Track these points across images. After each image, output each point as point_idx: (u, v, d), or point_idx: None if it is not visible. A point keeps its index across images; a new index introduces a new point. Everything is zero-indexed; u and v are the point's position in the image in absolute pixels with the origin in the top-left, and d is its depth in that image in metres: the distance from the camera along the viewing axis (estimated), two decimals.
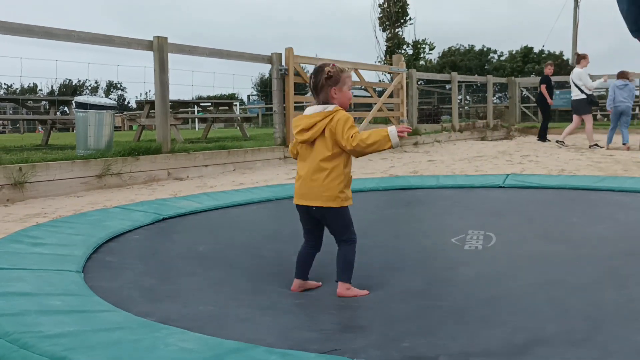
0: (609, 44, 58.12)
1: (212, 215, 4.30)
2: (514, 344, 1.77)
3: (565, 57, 35.14)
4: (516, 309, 2.12)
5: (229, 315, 2.17)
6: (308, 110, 2.48)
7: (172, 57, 7.43)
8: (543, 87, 12.64)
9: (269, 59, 8.91)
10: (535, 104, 23.76)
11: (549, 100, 12.55)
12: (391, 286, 2.55)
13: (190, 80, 9.76)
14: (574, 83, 10.78)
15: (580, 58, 10.95)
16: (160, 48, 7.17)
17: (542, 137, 12.87)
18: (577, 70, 10.81)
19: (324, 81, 2.43)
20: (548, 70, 12.93)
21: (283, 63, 8.94)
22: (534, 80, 25.33)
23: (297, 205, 2.49)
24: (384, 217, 4.30)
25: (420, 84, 23.21)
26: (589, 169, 7.31)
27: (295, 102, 9.22)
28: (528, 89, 24.63)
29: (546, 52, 36.37)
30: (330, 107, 2.42)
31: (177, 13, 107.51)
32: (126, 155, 6.64)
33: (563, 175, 5.97)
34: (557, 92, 22.94)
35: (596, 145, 10.54)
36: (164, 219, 4.06)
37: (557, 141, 11.25)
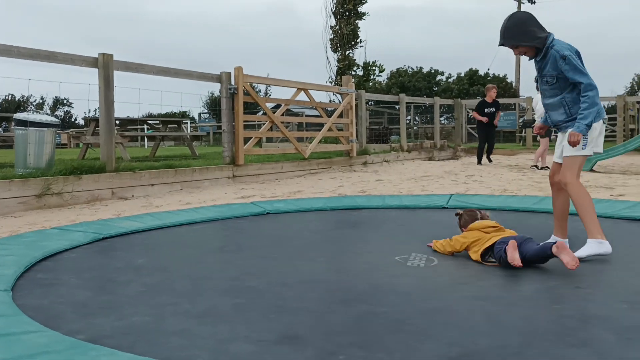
0: None
1: (155, 235, 4.23)
2: (449, 358, 1.80)
3: (509, 80, 36.41)
4: (453, 323, 2.16)
5: (164, 326, 2.16)
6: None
7: (122, 75, 7.32)
8: (474, 113, 13.00)
9: (218, 78, 8.88)
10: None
11: (481, 118, 12.59)
12: (333, 295, 2.59)
13: (142, 98, 9.60)
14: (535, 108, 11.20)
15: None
16: (105, 65, 7.04)
17: (478, 159, 12.91)
18: (538, 96, 11.15)
19: None
20: (490, 94, 12.80)
21: (232, 82, 8.92)
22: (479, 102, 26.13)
23: None
24: (330, 237, 4.32)
25: (370, 104, 23.56)
26: (529, 189, 7.56)
27: (245, 121, 9.20)
28: (474, 110, 25.39)
29: (491, 75, 37.58)
30: None
31: (133, 30, 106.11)
32: (68, 174, 6.45)
33: (504, 196, 6.15)
34: (501, 113, 23.77)
35: (535, 167, 10.91)
36: (103, 238, 3.96)
37: (531, 166, 11.19)
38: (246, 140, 9.19)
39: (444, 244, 3.55)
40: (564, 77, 3.34)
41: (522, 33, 3.37)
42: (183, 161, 9.25)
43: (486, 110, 12.57)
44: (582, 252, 3.27)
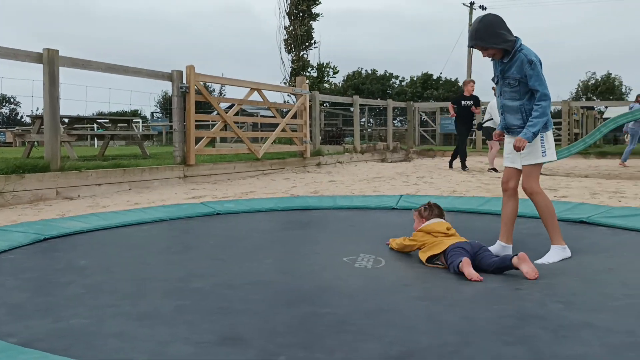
0: None
1: (99, 235, 4.13)
2: (389, 356, 1.82)
3: (461, 85, 37.17)
4: (395, 323, 2.19)
5: (103, 329, 2.11)
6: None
7: (70, 72, 7.12)
8: (450, 106, 12.11)
9: (169, 77, 8.74)
10: (432, 128, 25.02)
11: (453, 114, 12.04)
12: (279, 297, 2.59)
13: (91, 96, 9.36)
14: (488, 112, 11.44)
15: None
16: (50, 61, 6.83)
17: (458, 162, 12.23)
18: (493, 104, 11.37)
19: None
20: (468, 88, 12.05)
21: (184, 81, 8.80)
22: (432, 105, 26.61)
23: None
24: (279, 237, 4.30)
25: (326, 106, 23.66)
26: (478, 190, 7.73)
27: (198, 121, 9.09)
28: (427, 113, 25.82)
29: (444, 79, 38.29)
30: None
31: (84, 26, 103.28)
32: (9, 173, 6.23)
33: (452, 197, 6.26)
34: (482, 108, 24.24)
35: (493, 169, 11.13)
36: (45, 239, 3.84)
37: (488, 169, 11.31)
38: (198, 140, 9.08)
39: (398, 243, 3.64)
40: (525, 81, 3.41)
41: (494, 35, 3.41)
42: (132, 161, 9.06)
43: (462, 103, 11.88)
44: (551, 258, 3.37)
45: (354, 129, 14.87)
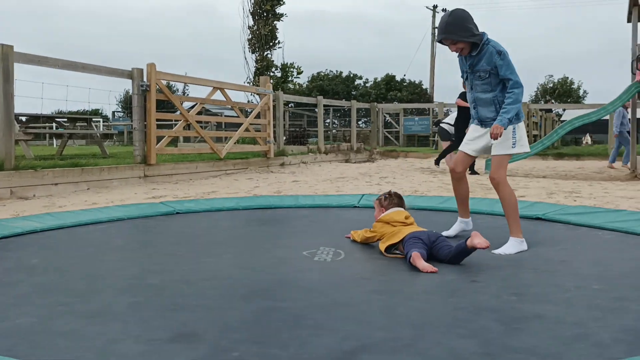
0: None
1: (53, 235, 4.02)
2: (342, 351, 1.81)
3: (424, 86, 37.62)
4: (350, 317, 2.19)
5: (51, 328, 2.05)
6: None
7: (28, 69, 6.92)
8: (460, 101, 10.79)
9: (129, 74, 8.59)
10: (396, 129, 25.25)
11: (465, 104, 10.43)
12: (235, 292, 2.56)
13: (48, 94, 9.12)
14: (448, 123, 11.55)
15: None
16: (4, 57, 6.63)
17: (438, 160, 11.75)
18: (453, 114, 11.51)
19: None
20: None
21: (145, 79, 8.66)
22: (396, 106, 26.86)
23: None
24: (239, 234, 4.26)
25: (290, 106, 23.63)
26: (439, 190, 7.82)
27: (161, 120, 8.95)
28: (390, 114, 26.05)
29: (407, 81, 38.69)
30: None
31: (44, 24, 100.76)
32: None
33: (412, 196, 6.32)
34: (415, 118, 24.54)
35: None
36: None
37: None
38: (159, 139, 8.94)
39: (359, 235, 3.67)
40: (496, 72, 3.48)
41: (463, 29, 3.46)
42: (91, 160, 8.87)
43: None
44: (508, 250, 3.44)
45: (318, 130, 14.88)
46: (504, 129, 3.45)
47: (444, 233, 3.91)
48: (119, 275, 2.87)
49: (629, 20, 11.12)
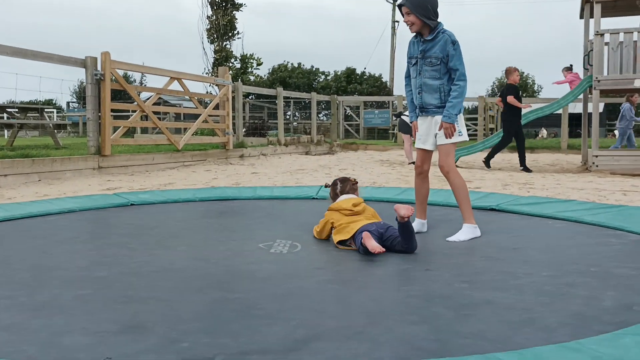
0: None
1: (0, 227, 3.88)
2: (294, 340, 1.80)
3: (384, 80, 37.87)
4: (303, 307, 2.18)
5: None
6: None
7: None
8: (511, 98, 9.92)
9: (82, 63, 8.35)
10: (356, 122, 25.35)
11: (522, 105, 10.11)
12: (188, 283, 2.53)
13: (8, 83, 8.79)
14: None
15: None
16: None
17: (522, 164, 10.10)
18: None
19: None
20: (515, 77, 10.26)
21: (99, 68, 8.44)
22: (356, 99, 26.95)
23: None
24: (195, 226, 4.20)
25: (251, 98, 23.44)
26: (397, 181, 7.89)
27: (116, 111, 8.74)
28: (351, 107, 26.15)
29: (367, 74, 38.88)
30: None
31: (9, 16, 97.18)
32: None
33: (370, 187, 6.36)
34: (375, 111, 24.71)
35: (413, 163, 11.37)
36: None
37: (409, 163, 11.38)
38: (116, 130, 8.74)
39: (315, 229, 3.65)
40: (447, 61, 3.54)
41: (423, 7, 3.53)
42: (42, 151, 8.60)
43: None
44: (462, 236, 3.51)
45: (277, 122, 14.82)
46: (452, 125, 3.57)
47: None
48: (67, 268, 2.79)
49: (581, 17, 11.42)
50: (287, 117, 26.88)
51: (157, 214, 4.61)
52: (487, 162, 10.57)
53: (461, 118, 3.68)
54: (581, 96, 11.35)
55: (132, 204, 5.06)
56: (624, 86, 10.08)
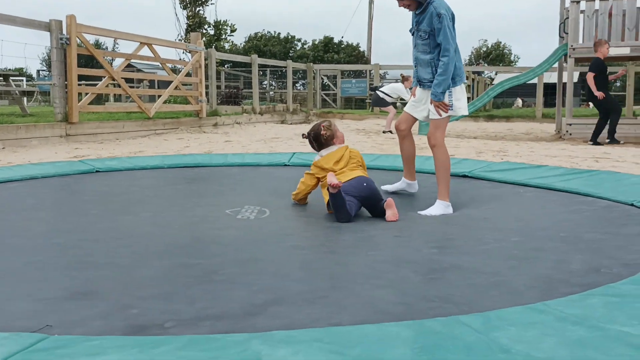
0: (402, 41, 64.01)
1: None
2: (252, 304, 1.73)
3: (361, 49, 37.53)
4: (267, 272, 2.11)
5: None
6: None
7: None
8: (590, 77, 8.95)
9: (46, 26, 8.03)
10: (334, 92, 25.16)
11: (595, 92, 8.86)
12: (148, 249, 2.45)
13: None
14: (384, 93, 11.44)
15: (404, 80, 11.59)
16: None
17: (611, 137, 9.04)
18: (399, 86, 11.41)
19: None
20: (603, 51, 9.11)
21: (65, 32, 8.14)
22: (331, 67, 26.68)
23: None
24: (162, 192, 4.08)
25: (228, 67, 23.03)
26: (372, 149, 7.83)
27: (85, 77, 8.47)
28: (328, 77, 25.89)
29: (345, 43, 38.48)
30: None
31: None
32: None
33: None
34: (353, 81, 24.52)
35: (390, 132, 11.31)
36: None
37: (383, 131, 11.32)
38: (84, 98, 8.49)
39: (294, 192, 3.55)
40: (435, 35, 3.43)
41: None
42: (7, 118, 8.33)
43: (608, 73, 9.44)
44: (433, 211, 3.42)
45: (252, 90, 14.58)
46: (442, 102, 3.49)
47: (384, 187, 3.91)
48: (23, 235, 2.67)
49: None
50: (264, 86, 26.55)
51: (123, 181, 4.48)
52: (612, 138, 9.03)
53: (457, 92, 3.54)
54: (556, 65, 11.34)
55: (97, 171, 4.92)
56: None
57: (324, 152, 3.52)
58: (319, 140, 3.56)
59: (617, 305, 1.55)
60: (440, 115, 3.52)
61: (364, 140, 9.65)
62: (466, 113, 3.73)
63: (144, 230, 2.80)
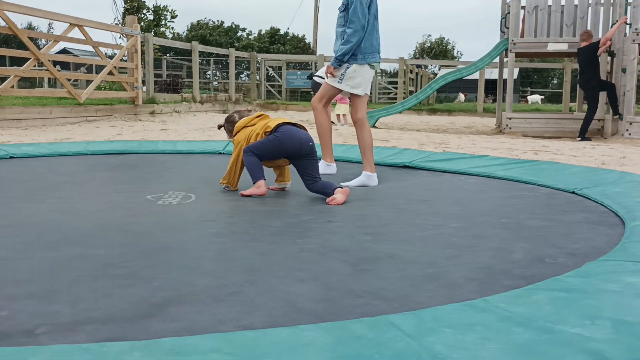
0: None
1: None
2: (149, 303, 1.46)
3: (307, 40, 37.25)
4: (176, 264, 1.84)
5: None
6: None
7: None
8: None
9: None
10: (279, 83, 24.82)
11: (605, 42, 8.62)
12: (42, 239, 2.13)
13: None
14: (319, 76, 11.15)
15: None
16: None
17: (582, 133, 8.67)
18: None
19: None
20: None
21: None
22: (275, 57, 26.30)
23: None
24: (77, 179, 3.70)
25: (170, 55, 22.29)
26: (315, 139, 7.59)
27: (12, 60, 7.86)
28: (273, 68, 25.50)
29: (291, 35, 38.10)
30: None
31: None
32: None
33: None
34: (298, 72, 24.23)
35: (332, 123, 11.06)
36: None
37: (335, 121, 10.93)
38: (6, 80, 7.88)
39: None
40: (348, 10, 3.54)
41: None
42: None
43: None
44: (355, 182, 3.53)
45: (192, 79, 14.08)
46: (334, 69, 3.61)
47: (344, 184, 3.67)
48: None
49: None
50: (207, 76, 25.88)
51: (37, 167, 4.08)
52: (582, 134, 8.70)
53: (355, 71, 3.59)
54: (497, 60, 11.42)
55: (11, 157, 4.48)
56: (538, 49, 10.18)
57: (241, 121, 3.38)
58: (242, 113, 3.48)
59: (566, 302, 1.35)
60: (326, 77, 3.71)
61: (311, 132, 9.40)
62: (360, 93, 3.71)
63: (43, 218, 2.46)
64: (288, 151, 3.05)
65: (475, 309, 1.32)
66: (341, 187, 2.99)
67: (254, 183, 3.04)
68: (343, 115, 10.79)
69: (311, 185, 3.05)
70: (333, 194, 2.91)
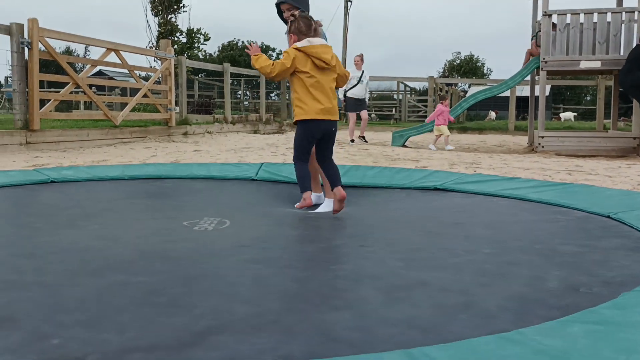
0: (385, 51, 64.30)
1: None
2: (191, 332, 1.51)
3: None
4: (215, 291, 1.89)
5: None
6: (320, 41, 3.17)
7: None
8: None
9: (7, 30, 7.71)
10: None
11: None
12: (86, 265, 2.20)
13: None
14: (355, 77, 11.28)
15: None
16: None
17: None
18: (352, 74, 11.33)
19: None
20: None
21: (26, 36, 7.82)
22: None
23: (323, 121, 3.15)
24: (116, 206, 3.80)
25: (201, 76, 22.69)
26: (344, 160, 7.65)
27: (53, 84, 8.14)
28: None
29: None
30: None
31: None
32: None
33: None
34: None
35: (352, 141, 11.19)
36: None
37: (350, 140, 11.16)
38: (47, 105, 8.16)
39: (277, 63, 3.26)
40: None
41: (305, 4, 3.75)
42: None
43: None
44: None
45: (224, 99, 14.33)
46: None
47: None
48: None
49: None
50: (238, 96, 26.27)
51: (77, 193, 4.21)
52: None
53: None
54: (528, 78, 11.35)
55: (52, 181, 4.64)
56: (570, 67, 10.10)
57: (315, 40, 3.19)
58: (310, 24, 3.25)
59: (601, 335, 1.36)
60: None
61: (337, 150, 9.45)
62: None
63: (86, 244, 2.55)
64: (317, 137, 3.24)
65: (510, 342, 1.34)
66: (341, 192, 3.15)
67: (301, 193, 3.14)
68: (447, 136, 10.64)
69: (322, 163, 3.25)
70: (333, 191, 3.14)
